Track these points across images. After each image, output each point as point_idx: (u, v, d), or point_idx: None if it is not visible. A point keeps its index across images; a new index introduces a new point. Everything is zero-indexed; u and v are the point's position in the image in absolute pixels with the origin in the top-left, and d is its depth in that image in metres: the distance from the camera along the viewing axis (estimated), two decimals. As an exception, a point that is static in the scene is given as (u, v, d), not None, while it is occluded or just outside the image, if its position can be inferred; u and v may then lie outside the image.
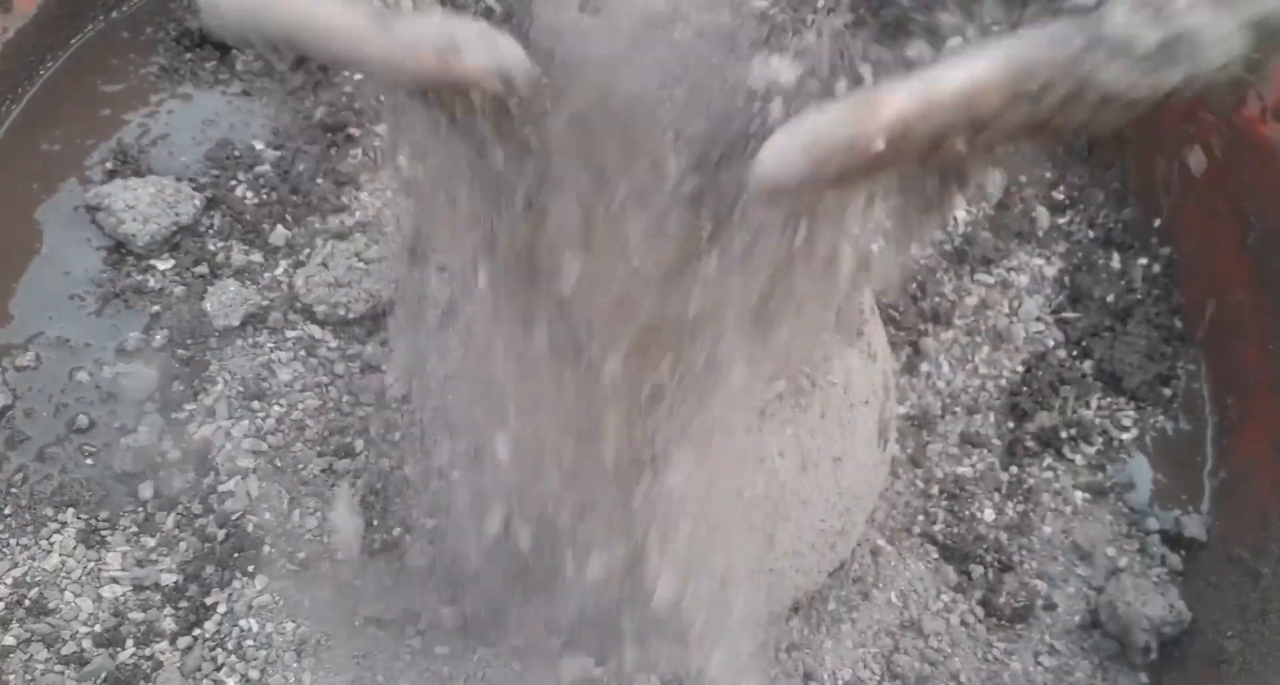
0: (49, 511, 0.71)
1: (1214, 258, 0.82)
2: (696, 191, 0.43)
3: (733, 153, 0.42)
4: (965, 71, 0.34)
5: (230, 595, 0.69)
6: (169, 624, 0.68)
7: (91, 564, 0.70)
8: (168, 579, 0.69)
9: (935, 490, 0.76)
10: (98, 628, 0.68)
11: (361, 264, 0.77)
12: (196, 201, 0.80)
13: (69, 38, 0.86)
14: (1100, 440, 0.79)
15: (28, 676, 0.65)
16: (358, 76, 0.86)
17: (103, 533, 0.71)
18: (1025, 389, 0.80)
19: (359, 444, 0.74)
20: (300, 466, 0.73)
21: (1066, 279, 0.84)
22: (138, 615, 0.68)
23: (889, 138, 0.34)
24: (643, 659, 0.66)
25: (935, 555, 0.74)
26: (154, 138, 0.84)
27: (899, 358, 0.79)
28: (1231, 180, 0.81)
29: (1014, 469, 0.77)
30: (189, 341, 0.76)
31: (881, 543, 0.74)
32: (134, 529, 0.71)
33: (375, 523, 0.72)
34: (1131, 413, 0.80)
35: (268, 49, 0.39)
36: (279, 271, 0.79)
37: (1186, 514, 0.77)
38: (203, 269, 0.79)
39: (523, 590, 0.65)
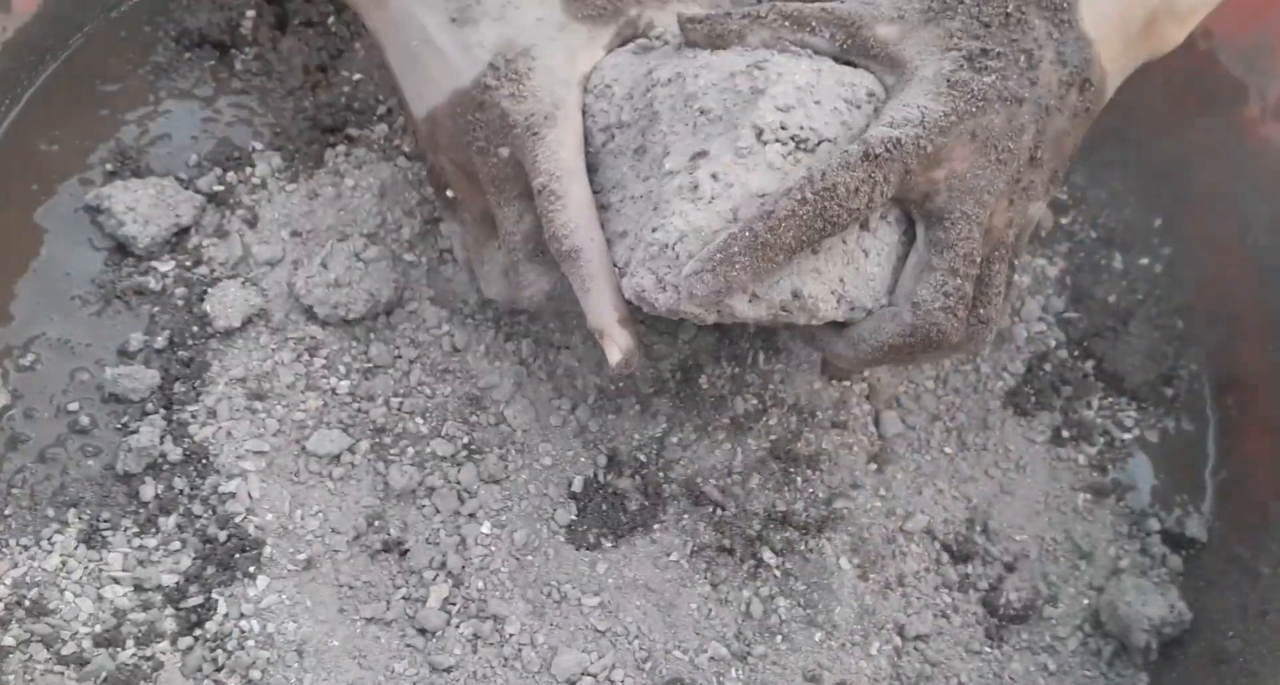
0: (50, 512, 0.71)
1: (1214, 258, 0.82)
2: None
3: None
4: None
5: (231, 596, 0.69)
6: (170, 624, 0.68)
7: (92, 564, 0.70)
8: (169, 579, 0.69)
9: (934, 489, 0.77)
10: (98, 628, 0.68)
11: (360, 264, 0.77)
12: (196, 202, 0.80)
13: (68, 37, 0.86)
14: (1101, 440, 0.79)
15: (27, 677, 0.66)
16: (356, 77, 0.87)
17: (104, 533, 0.71)
18: (1027, 389, 0.80)
19: (363, 445, 0.74)
20: (302, 467, 0.73)
21: (1068, 279, 0.84)
22: (138, 615, 0.68)
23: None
24: None
25: (936, 555, 0.74)
26: (153, 138, 0.84)
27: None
28: (1233, 179, 0.81)
29: (1015, 469, 0.78)
30: (190, 342, 0.76)
31: (881, 542, 0.74)
32: (135, 530, 0.71)
33: (376, 523, 0.72)
34: (1133, 413, 0.80)
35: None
36: (279, 272, 0.79)
37: (1187, 514, 0.77)
38: (203, 270, 0.79)
39: None
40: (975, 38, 0.58)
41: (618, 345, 0.61)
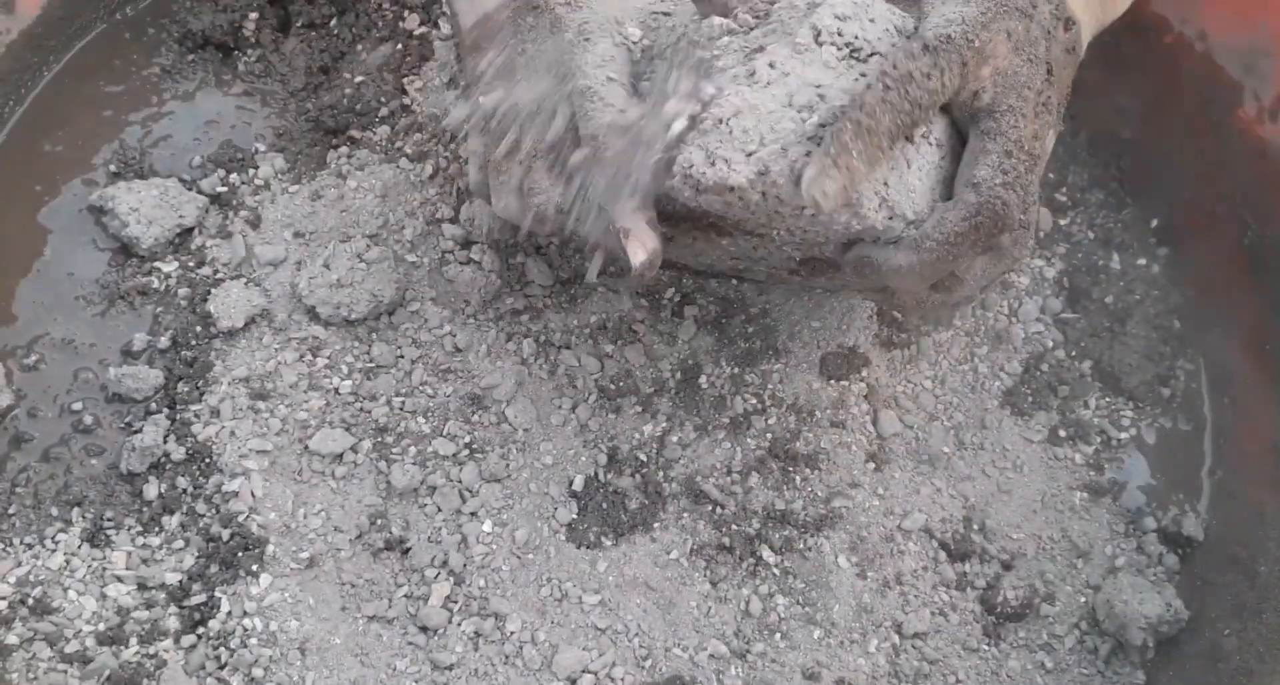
0: (54, 511, 0.72)
1: (1211, 258, 0.83)
2: None
3: None
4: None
5: (234, 594, 0.69)
6: (173, 623, 0.69)
7: (96, 563, 0.70)
8: (172, 578, 0.70)
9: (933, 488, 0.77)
10: (101, 626, 0.68)
11: (363, 265, 0.78)
12: (199, 203, 0.81)
13: (72, 39, 0.86)
14: (1098, 440, 0.80)
15: (30, 675, 0.66)
16: (358, 79, 0.87)
17: (107, 532, 0.71)
18: (1024, 389, 0.80)
19: (366, 445, 0.74)
20: (305, 467, 0.73)
21: (1066, 280, 0.84)
22: (142, 614, 0.69)
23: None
24: None
25: (934, 553, 0.75)
26: (156, 139, 0.84)
27: (899, 358, 0.80)
28: (1229, 180, 0.81)
29: (1013, 468, 0.78)
30: (193, 342, 0.77)
31: (879, 540, 0.74)
32: (138, 528, 0.71)
33: (378, 522, 0.72)
34: (1130, 413, 0.81)
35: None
36: (282, 273, 0.79)
37: (1184, 513, 0.77)
38: (206, 271, 0.79)
39: None
40: None
41: (643, 244, 0.61)
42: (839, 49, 0.60)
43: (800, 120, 0.59)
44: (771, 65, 0.60)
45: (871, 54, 0.60)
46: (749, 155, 0.58)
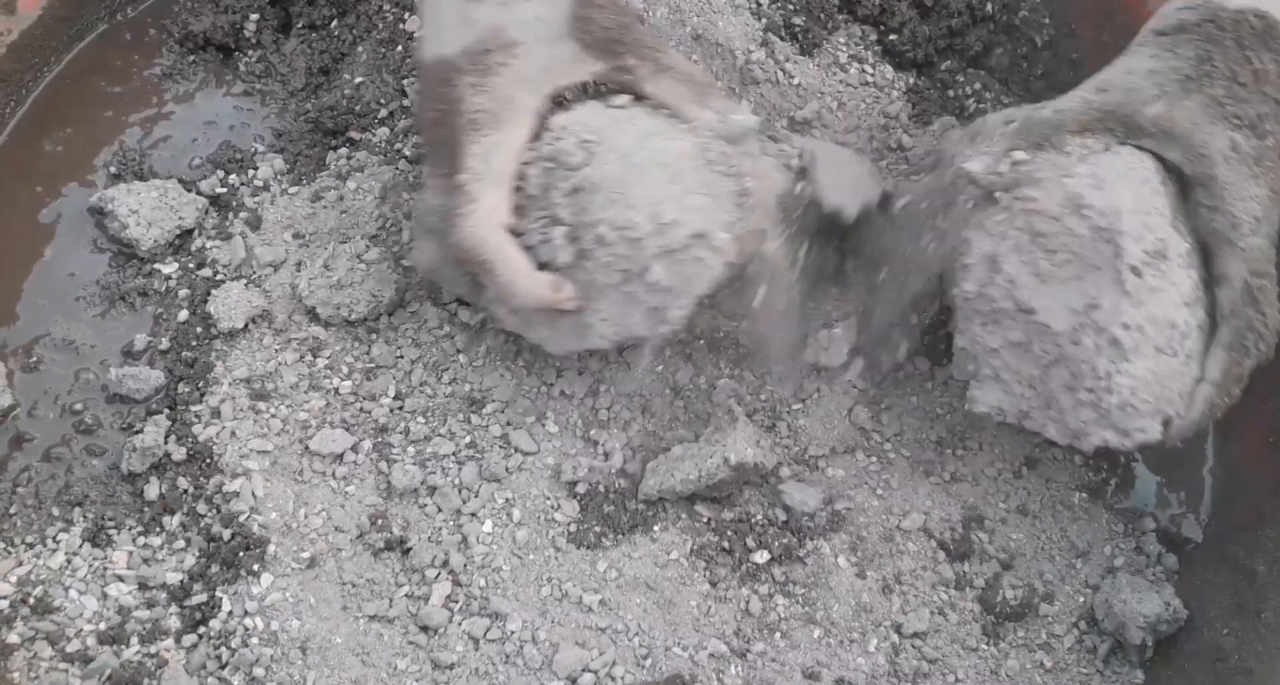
0: (55, 511, 0.72)
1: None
2: None
3: None
4: None
5: (235, 594, 0.69)
6: (174, 622, 0.69)
7: (97, 562, 0.70)
8: (173, 578, 0.70)
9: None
10: (102, 626, 0.68)
11: (363, 265, 0.78)
12: (199, 204, 0.81)
13: (72, 40, 0.86)
14: (1098, 440, 0.80)
15: (32, 674, 0.66)
16: (358, 80, 0.87)
17: (109, 532, 0.71)
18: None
19: (366, 445, 0.74)
20: (305, 467, 0.73)
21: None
22: (143, 613, 0.69)
23: None
24: None
25: (933, 553, 0.75)
26: (156, 140, 0.84)
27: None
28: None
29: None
30: (194, 343, 0.77)
31: (878, 540, 0.75)
32: (139, 528, 0.72)
33: (379, 521, 0.72)
34: (1128, 412, 0.81)
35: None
36: (282, 274, 0.79)
37: (1183, 513, 0.78)
38: (206, 271, 0.79)
39: None
40: (1242, 101, 0.64)
41: (564, 294, 0.66)
42: (1150, 267, 0.64)
43: (1170, 355, 0.65)
44: (1125, 326, 0.63)
45: (1167, 247, 0.64)
46: (1153, 414, 0.66)
